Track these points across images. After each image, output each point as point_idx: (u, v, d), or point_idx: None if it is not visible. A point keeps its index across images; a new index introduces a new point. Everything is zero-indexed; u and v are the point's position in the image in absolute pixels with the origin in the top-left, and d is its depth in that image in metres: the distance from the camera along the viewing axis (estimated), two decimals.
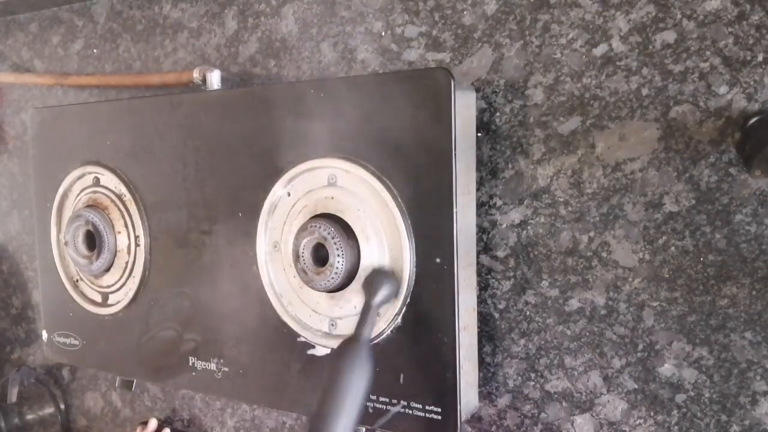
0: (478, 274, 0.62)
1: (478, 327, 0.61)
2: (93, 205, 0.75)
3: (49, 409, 0.98)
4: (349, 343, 0.53)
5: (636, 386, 0.58)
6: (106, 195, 0.75)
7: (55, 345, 0.82)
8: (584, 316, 0.59)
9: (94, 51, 0.88)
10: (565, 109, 0.58)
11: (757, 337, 0.53)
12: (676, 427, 0.56)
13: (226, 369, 0.68)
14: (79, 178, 0.78)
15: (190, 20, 0.79)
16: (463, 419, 0.56)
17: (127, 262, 0.74)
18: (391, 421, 0.58)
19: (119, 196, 0.74)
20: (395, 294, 0.56)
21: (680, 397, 0.56)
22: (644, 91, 0.55)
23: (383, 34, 0.66)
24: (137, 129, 0.72)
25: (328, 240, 0.57)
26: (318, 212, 0.59)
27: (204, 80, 0.72)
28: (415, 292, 0.56)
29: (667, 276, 0.56)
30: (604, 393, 0.59)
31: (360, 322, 0.55)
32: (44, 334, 0.83)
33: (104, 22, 0.86)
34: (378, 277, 0.56)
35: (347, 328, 0.61)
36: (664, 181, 0.55)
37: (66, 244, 0.75)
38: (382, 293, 0.55)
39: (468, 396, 0.58)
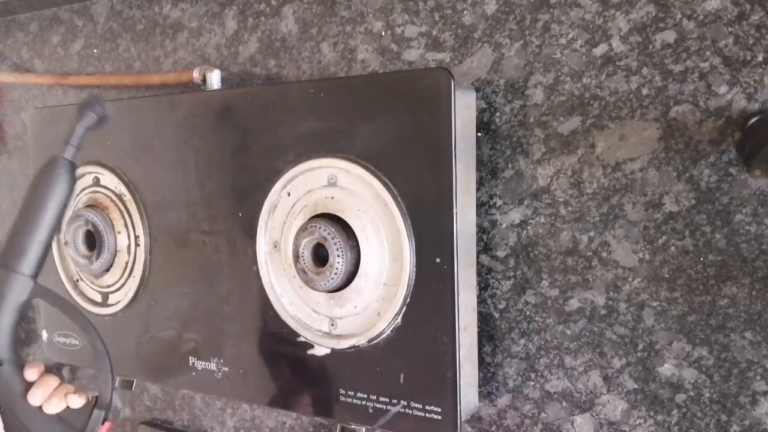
0: (478, 274, 0.62)
1: (478, 327, 0.61)
2: (93, 205, 0.75)
3: None
4: (49, 161, 0.57)
5: (636, 386, 0.58)
6: (106, 195, 0.75)
7: (55, 345, 0.82)
8: (584, 316, 0.59)
9: (94, 51, 0.88)
10: (565, 108, 0.58)
11: (757, 337, 0.53)
12: (676, 427, 0.56)
13: (226, 369, 0.68)
14: (79, 178, 0.78)
15: (190, 20, 0.79)
16: (463, 419, 0.56)
17: (127, 262, 0.74)
18: (391, 421, 0.58)
19: (119, 196, 0.74)
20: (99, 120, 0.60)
21: (680, 397, 0.56)
22: (644, 91, 0.55)
23: (383, 34, 0.66)
24: (137, 129, 0.72)
25: (328, 240, 0.57)
26: (318, 212, 0.59)
27: (204, 80, 0.72)
28: (415, 292, 0.56)
29: (667, 276, 0.56)
30: (604, 393, 0.59)
31: (68, 137, 0.58)
32: (44, 334, 0.83)
33: (104, 22, 0.86)
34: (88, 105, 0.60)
35: (347, 327, 0.61)
36: (664, 181, 0.55)
37: (66, 244, 0.75)
38: (87, 119, 0.59)
39: (468, 396, 0.58)
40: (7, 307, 0.55)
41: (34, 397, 0.58)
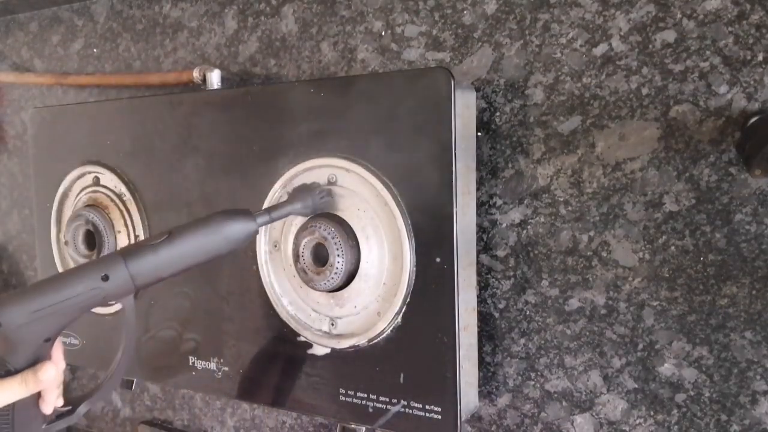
0: (478, 274, 0.62)
1: (478, 326, 0.61)
2: (93, 205, 0.75)
3: None
4: (247, 213, 0.53)
5: (636, 386, 0.58)
6: (106, 194, 0.75)
7: None
8: (584, 316, 0.59)
9: (94, 50, 0.88)
10: (565, 108, 0.58)
11: (757, 337, 0.53)
12: (676, 427, 0.56)
13: (226, 369, 0.68)
14: (79, 177, 0.78)
15: (190, 20, 0.79)
16: (463, 419, 0.56)
17: None
18: (391, 420, 0.58)
19: (119, 196, 0.74)
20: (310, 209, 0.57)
21: (680, 397, 0.56)
22: (644, 91, 0.55)
23: (383, 33, 0.66)
24: (137, 129, 0.72)
25: (328, 240, 0.57)
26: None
27: (204, 80, 0.72)
28: (415, 292, 0.56)
29: (667, 275, 0.56)
30: (604, 392, 0.59)
31: (272, 209, 0.55)
32: None
33: (104, 21, 0.86)
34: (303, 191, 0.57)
35: (347, 327, 0.61)
36: (664, 180, 0.55)
37: (66, 243, 0.75)
38: (299, 204, 0.56)
39: (468, 395, 0.58)
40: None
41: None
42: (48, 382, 0.49)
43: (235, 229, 0.51)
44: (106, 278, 0.48)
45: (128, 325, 0.52)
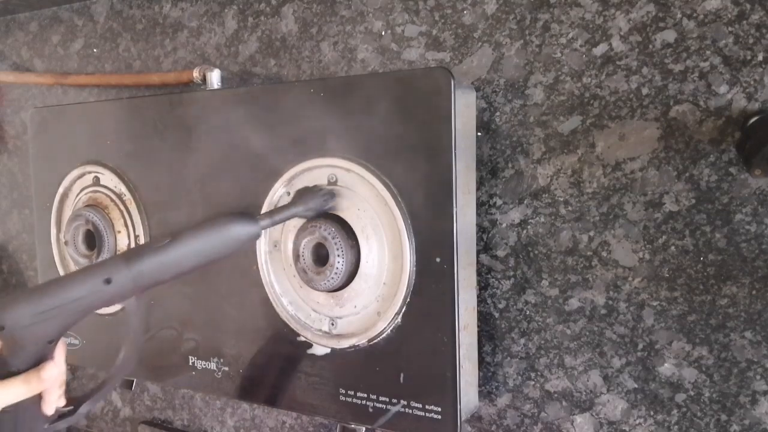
0: (478, 274, 0.62)
1: (478, 326, 0.61)
2: (93, 205, 0.75)
3: None
4: (249, 217, 0.53)
5: (636, 386, 0.58)
6: (106, 194, 0.75)
7: None
8: (584, 316, 0.59)
9: (94, 50, 0.88)
10: (565, 108, 0.58)
11: (757, 337, 0.53)
12: (676, 427, 0.56)
13: (226, 368, 0.68)
14: (79, 177, 0.78)
15: (190, 19, 0.79)
16: (463, 419, 0.56)
17: None
18: (391, 420, 0.58)
19: (119, 196, 0.74)
20: (319, 208, 0.57)
21: (680, 397, 0.56)
22: (644, 91, 0.55)
23: (383, 33, 0.66)
24: (137, 128, 0.72)
25: (328, 240, 0.57)
26: None
27: (204, 79, 0.72)
28: (415, 292, 0.56)
29: (667, 275, 0.56)
30: (604, 392, 0.59)
31: (274, 212, 0.55)
32: None
33: (104, 21, 0.86)
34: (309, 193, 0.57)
35: (347, 327, 0.61)
36: (664, 180, 0.55)
37: (66, 243, 0.75)
38: (305, 205, 0.56)
39: (468, 395, 0.58)
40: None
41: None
42: (50, 381, 0.49)
43: (238, 232, 0.52)
44: (108, 281, 0.49)
45: (131, 327, 0.52)
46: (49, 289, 0.48)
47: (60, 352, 0.51)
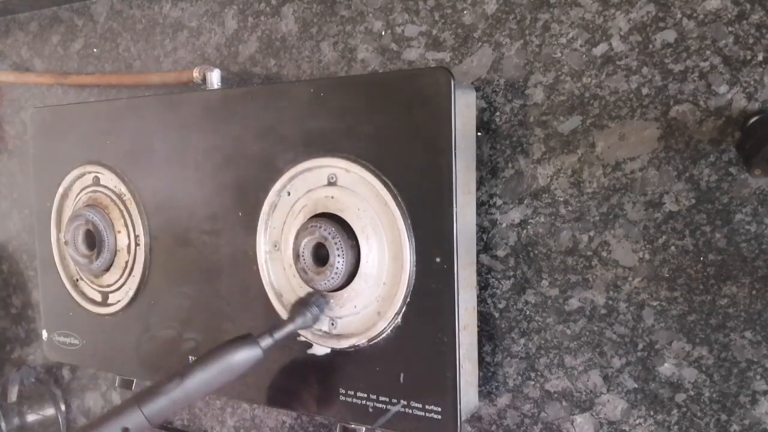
0: (478, 274, 0.62)
1: (478, 326, 0.61)
2: (93, 205, 0.75)
3: (49, 409, 0.98)
4: (250, 340, 0.57)
5: (636, 386, 0.58)
6: (106, 194, 0.75)
7: (55, 344, 0.82)
8: (584, 316, 0.59)
9: (94, 50, 0.88)
10: (565, 108, 0.58)
11: (757, 337, 0.53)
12: (676, 427, 0.56)
13: None
14: (79, 177, 0.78)
15: (190, 19, 0.79)
16: (463, 419, 0.56)
17: (127, 262, 0.74)
18: (391, 420, 0.58)
19: (119, 196, 0.74)
20: (315, 320, 0.60)
21: (680, 397, 0.56)
22: (644, 91, 0.55)
23: (383, 33, 0.66)
24: (137, 128, 0.72)
25: (328, 240, 0.57)
26: (318, 212, 0.59)
27: (204, 79, 0.72)
28: (415, 292, 0.56)
29: (667, 275, 0.56)
30: (604, 392, 0.59)
31: (274, 329, 0.58)
32: (44, 334, 0.83)
33: (104, 21, 0.86)
34: (305, 303, 0.60)
35: (347, 327, 0.61)
36: (664, 180, 0.55)
37: (66, 243, 0.75)
38: (303, 319, 0.59)
39: (468, 395, 0.58)
40: None
41: None
42: None
43: (242, 358, 0.56)
44: (126, 431, 0.53)
45: None
46: None
47: None
